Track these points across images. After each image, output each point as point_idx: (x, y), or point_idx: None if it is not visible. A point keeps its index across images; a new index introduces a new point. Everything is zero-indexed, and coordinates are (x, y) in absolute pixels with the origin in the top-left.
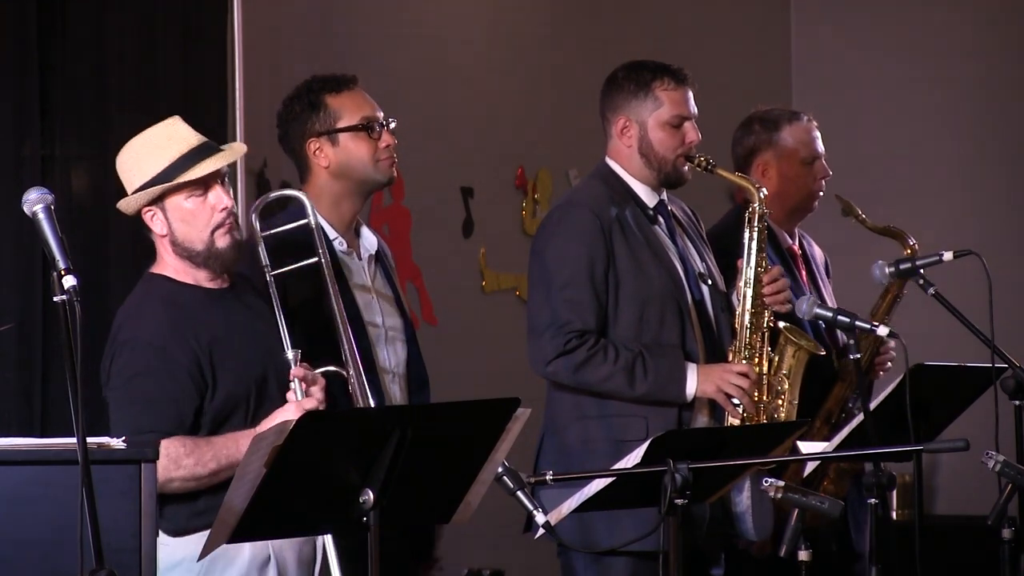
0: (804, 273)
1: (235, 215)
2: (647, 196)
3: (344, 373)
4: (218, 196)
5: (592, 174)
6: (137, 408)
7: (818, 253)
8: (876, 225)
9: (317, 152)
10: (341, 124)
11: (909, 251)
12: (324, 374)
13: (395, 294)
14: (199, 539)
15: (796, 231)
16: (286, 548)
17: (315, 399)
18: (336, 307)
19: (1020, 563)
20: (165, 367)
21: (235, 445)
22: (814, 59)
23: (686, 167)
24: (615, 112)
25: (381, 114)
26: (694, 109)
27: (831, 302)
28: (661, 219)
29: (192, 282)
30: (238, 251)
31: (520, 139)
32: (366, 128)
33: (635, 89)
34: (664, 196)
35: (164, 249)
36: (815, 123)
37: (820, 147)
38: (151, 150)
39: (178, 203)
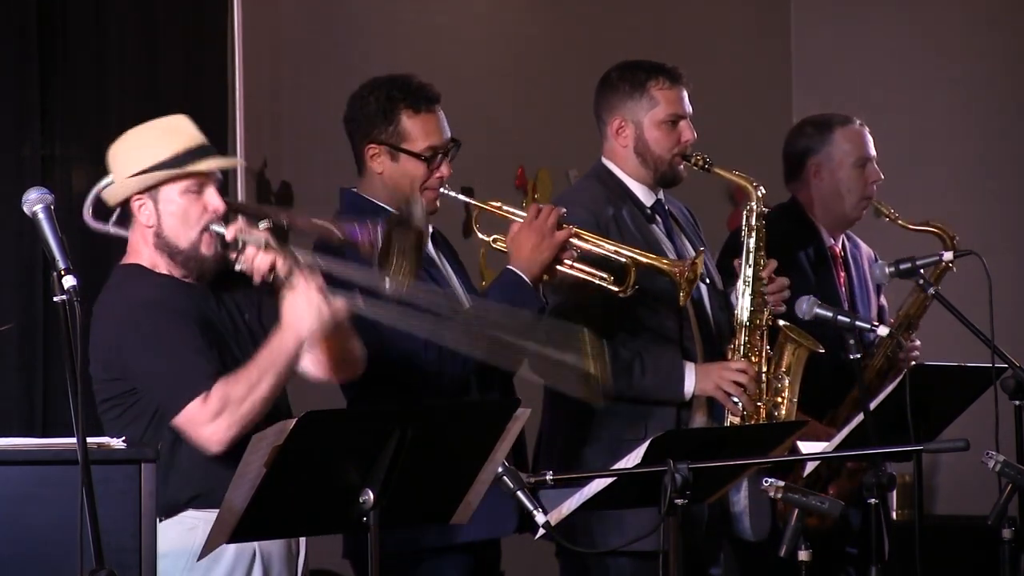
0: (843, 275)
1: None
2: (644, 195)
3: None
4: (213, 197)
5: (588, 175)
6: (187, 367)
7: (865, 254)
8: (912, 223)
9: (374, 156)
10: (406, 146)
11: (950, 242)
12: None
13: (461, 271)
14: (186, 520)
15: (841, 234)
16: (271, 543)
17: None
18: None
19: (1020, 563)
20: (184, 323)
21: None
22: (814, 59)
23: (682, 166)
24: (610, 113)
25: (448, 136)
26: (689, 108)
27: (862, 306)
28: (658, 218)
29: (167, 272)
30: (218, 262)
31: (520, 139)
32: (428, 159)
33: (630, 90)
34: (661, 195)
35: (143, 241)
36: (867, 128)
37: (872, 151)
38: (152, 139)
39: (171, 196)
